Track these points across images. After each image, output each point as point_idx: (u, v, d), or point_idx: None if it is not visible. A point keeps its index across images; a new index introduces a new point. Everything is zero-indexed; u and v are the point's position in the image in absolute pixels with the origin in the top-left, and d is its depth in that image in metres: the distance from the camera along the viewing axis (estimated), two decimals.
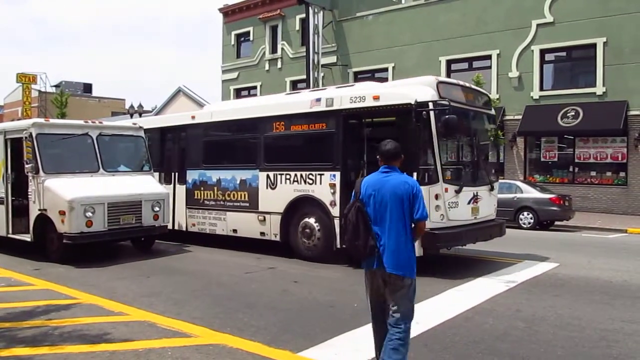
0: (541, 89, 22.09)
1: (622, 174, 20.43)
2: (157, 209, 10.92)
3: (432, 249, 8.80)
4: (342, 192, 9.52)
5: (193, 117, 12.79)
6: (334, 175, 9.70)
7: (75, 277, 8.86)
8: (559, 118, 20.70)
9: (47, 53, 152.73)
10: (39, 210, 10.22)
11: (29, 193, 10.44)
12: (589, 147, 21.08)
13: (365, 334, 5.82)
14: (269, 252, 10.90)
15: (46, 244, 10.41)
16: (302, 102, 10.70)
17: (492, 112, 10.61)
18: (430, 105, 8.59)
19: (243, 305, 6.98)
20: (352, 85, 11.29)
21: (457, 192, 8.93)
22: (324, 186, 9.83)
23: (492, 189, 10.03)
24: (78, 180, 10.35)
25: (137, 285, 8.27)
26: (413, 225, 4.32)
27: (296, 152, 10.72)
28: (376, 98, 9.27)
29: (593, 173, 21.08)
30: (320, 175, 9.91)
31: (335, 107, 9.83)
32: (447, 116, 8.41)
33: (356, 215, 4.31)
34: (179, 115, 14.98)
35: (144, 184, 11.15)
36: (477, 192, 9.48)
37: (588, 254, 11.44)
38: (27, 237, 10.66)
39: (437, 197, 8.60)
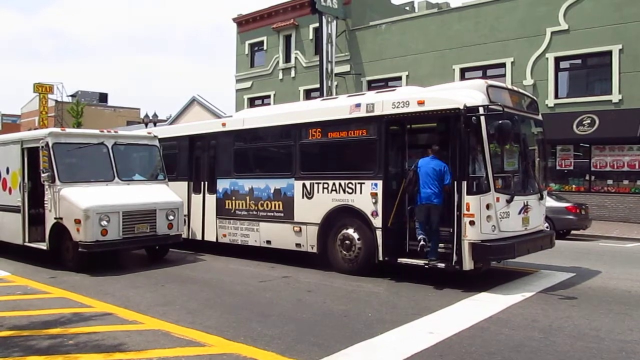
0: (556, 96, 21.94)
1: (639, 183, 20.18)
2: (171, 217, 10.96)
3: (483, 262, 8.44)
4: (384, 202, 9.17)
5: (224, 125, 12.41)
6: (376, 184, 9.29)
7: (91, 286, 8.92)
8: (574, 126, 20.52)
9: (63, 63, 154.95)
10: (55, 218, 10.32)
11: (45, 202, 10.54)
12: (605, 155, 20.85)
13: (379, 343, 5.81)
14: (283, 262, 10.88)
15: (62, 253, 10.50)
16: (340, 107, 10.25)
17: (539, 116, 10.16)
18: (481, 110, 8.20)
19: (257, 315, 6.97)
20: (394, 90, 10.77)
21: (509, 201, 8.52)
22: (365, 195, 9.43)
23: (541, 197, 9.63)
24: (93, 189, 10.43)
25: (152, 294, 8.29)
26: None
27: (334, 160, 10.30)
28: (421, 103, 8.86)
29: (610, 181, 20.84)
30: (361, 184, 9.52)
31: (377, 112, 9.40)
32: (500, 121, 8.05)
33: (415, 177, 8.71)
34: (209, 123, 14.72)
35: (158, 193, 11.20)
36: (527, 202, 9.07)
37: (605, 263, 11.28)
38: (43, 246, 10.75)
39: (488, 207, 8.21)
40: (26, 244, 11.16)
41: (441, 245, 8.78)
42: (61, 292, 8.47)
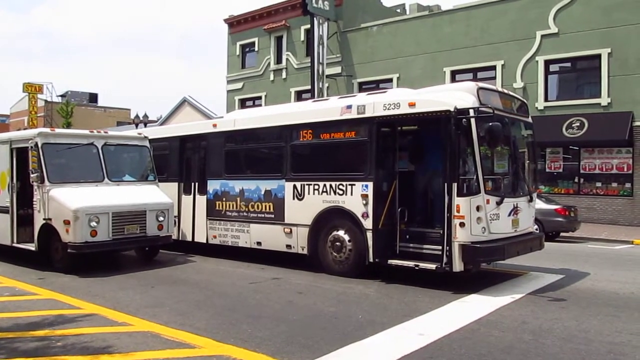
0: (546, 99, 22.07)
1: (627, 185, 20.34)
2: (161, 218, 10.91)
3: (473, 263, 8.47)
4: (374, 203, 9.16)
5: (215, 126, 12.36)
6: (366, 186, 9.30)
7: (80, 287, 8.86)
8: (563, 129, 20.66)
9: (53, 63, 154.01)
10: (44, 219, 10.24)
11: (34, 202, 10.46)
12: (594, 157, 21.00)
13: (369, 345, 5.81)
14: (273, 263, 10.86)
15: (51, 254, 10.43)
16: (331, 109, 10.26)
17: (529, 119, 10.21)
18: (472, 113, 8.23)
19: (247, 316, 6.95)
20: (385, 92, 10.82)
21: (499, 203, 8.54)
22: (356, 197, 9.43)
23: (531, 199, 9.69)
24: (83, 189, 10.37)
25: (141, 295, 8.25)
26: None
27: (325, 162, 10.27)
28: (412, 105, 8.88)
29: (598, 184, 20.99)
30: (352, 185, 9.50)
31: (368, 114, 9.41)
32: (490, 124, 8.09)
33: None
34: (200, 124, 14.72)
35: (148, 194, 11.15)
36: (517, 204, 9.10)
37: (594, 265, 11.36)
38: (32, 246, 10.67)
39: (478, 208, 8.24)
40: (14, 244, 11.06)
41: (431, 247, 8.81)
42: (50, 293, 8.40)
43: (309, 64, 27.40)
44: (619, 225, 19.82)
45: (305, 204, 10.29)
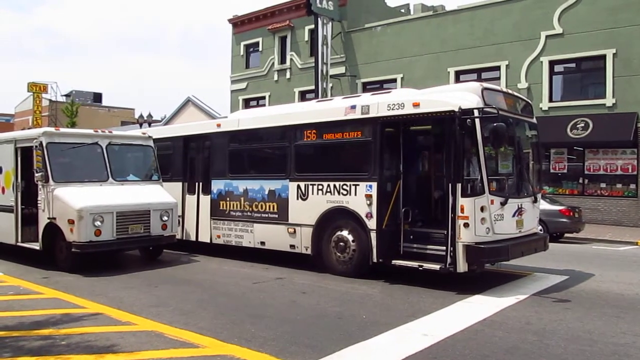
0: (550, 100, 22.02)
1: (632, 186, 20.27)
2: (165, 218, 10.93)
3: (477, 264, 8.44)
4: (378, 204, 9.16)
5: (219, 125, 12.40)
6: (370, 186, 9.29)
7: (84, 286, 8.88)
8: (568, 129, 20.61)
9: (57, 63, 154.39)
10: (48, 218, 10.27)
11: (39, 202, 10.49)
12: (599, 158, 20.94)
13: (373, 345, 5.80)
14: (277, 263, 10.87)
15: (55, 253, 10.45)
16: (335, 109, 10.26)
17: (534, 119, 10.20)
18: (476, 113, 8.23)
19: (251, 316, 6.95)
20: (389, 92, 10.80)
21: (503, 204, 8.53)
22: (360, 197, 9.44)
23: (535, 200, 9.66)
24: (87, 189, 10.39)
25: (145, 295, 8.26)
26: None
27: (329, 162, 10.29)
28: (416, 105, 8.87)
29: (603, 185, 20.93)
30: (356, 185, 9.51)
31: (372, 114, 9.41)
32: (495, 124, 8.07)
33: None
34: (204, 124, 14.79)
35: (152, 194, 11.17)
36: (521, 204, 9.07)
37: (598, 266, 11.33)
38: (36, 246, 10.70)
39: (482, 209, 8.23)
40: (19, 243, 11.10)
41: (435, 247, 8.79)
42: (54, 292, 8.43)
43: (313, 64, 27.39)
44: (624, 226, 19.76)
45: (309, 204, 10.29)
